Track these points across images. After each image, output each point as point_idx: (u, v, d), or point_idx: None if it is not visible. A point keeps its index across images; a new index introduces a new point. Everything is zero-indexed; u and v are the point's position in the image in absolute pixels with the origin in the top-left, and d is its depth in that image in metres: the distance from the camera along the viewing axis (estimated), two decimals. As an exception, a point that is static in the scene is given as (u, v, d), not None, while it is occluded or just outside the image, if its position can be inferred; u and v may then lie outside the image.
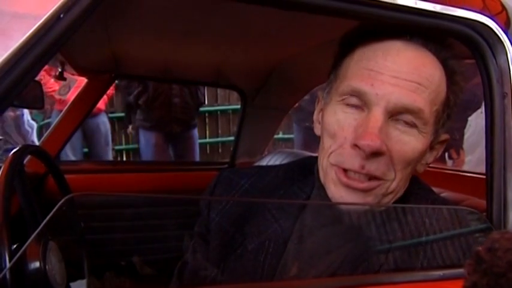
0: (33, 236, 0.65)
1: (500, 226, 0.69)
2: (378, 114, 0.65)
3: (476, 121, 2.84)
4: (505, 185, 0.70)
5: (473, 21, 0.72)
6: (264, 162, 1.80)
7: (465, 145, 2.90)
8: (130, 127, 4.19)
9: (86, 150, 4.14)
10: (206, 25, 1.25)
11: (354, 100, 0.68)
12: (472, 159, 2.80)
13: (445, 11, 0.70)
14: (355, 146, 0.66)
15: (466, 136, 2.87)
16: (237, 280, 0.74)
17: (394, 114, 0.66)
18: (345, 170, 0.68)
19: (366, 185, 0.67)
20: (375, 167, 0.66)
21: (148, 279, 1.74)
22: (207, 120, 5.66)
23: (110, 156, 4.19)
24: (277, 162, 1.67)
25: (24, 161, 1.59)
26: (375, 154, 0.65)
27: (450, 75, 0.71)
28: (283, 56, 1.64)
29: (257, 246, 0.75)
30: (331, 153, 0.70)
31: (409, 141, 0.67)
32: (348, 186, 0.68)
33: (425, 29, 0.70)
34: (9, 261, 0.71)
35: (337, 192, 0.69)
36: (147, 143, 3.40)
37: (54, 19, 0.55)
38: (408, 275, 0.66)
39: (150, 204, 1.81)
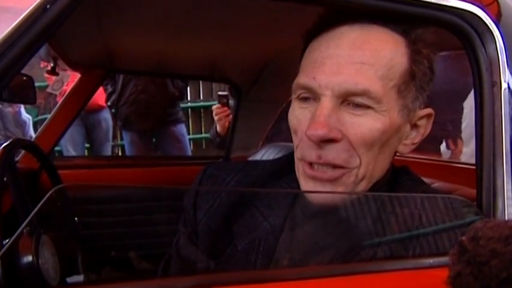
0: (23, 226, 0.65)
1: (490, 214, 0.69)
2: (324, 102, 0.65)
3: (471, 113, 2.83)
4: (494, 173, 0.70)
5: (462, 10, 0.71)
6: (259, 155, 1.80)
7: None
8: None
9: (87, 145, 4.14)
10: (200, 19, 1.24)
11: (305, 94, 0.68)
12: (467, 151, 2.81)
13: (434, 1, 0.70)
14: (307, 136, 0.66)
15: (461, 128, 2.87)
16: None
17: (344, 98, 0.65)
18: (310, 163, 0.68)
19: (329, 175, 0.67)
20: (332, 155, 0.65)
21: (145, 274, 1.75)
22: (190, 116, 5.66)
23: (109, 152, 4.18)
24: (272, 156, 1.67)
25: (18, 157, 1.59)
26: (328, 142, 0.65)
27: (411, 44, 0.68)
28: (277, 49, 1.63)
29: (247, 245, 0.74)
30: (296, 148, 0.70)
31: (364, 123, 0.65)
32: (314, 179, 0.68)
33: (414, 19, 0.70)
34: (1, 255, 0.70)
35: (306, 186, 0.69)
36: (125, 140, 3.40)
37: (40, 10, 0.55)
38: (398, 263, 0.66)
39: (146, 199, 1.81)
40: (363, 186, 0.69)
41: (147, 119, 3.13)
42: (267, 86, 1.89)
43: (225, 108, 2.25)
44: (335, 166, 0.67)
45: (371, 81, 0.64)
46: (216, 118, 2.29)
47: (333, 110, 0.65)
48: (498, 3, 0.76)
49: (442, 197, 0.73)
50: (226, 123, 2.24)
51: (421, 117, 0.72)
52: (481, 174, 0.71)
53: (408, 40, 0.68)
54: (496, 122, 0.71)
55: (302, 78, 0.68)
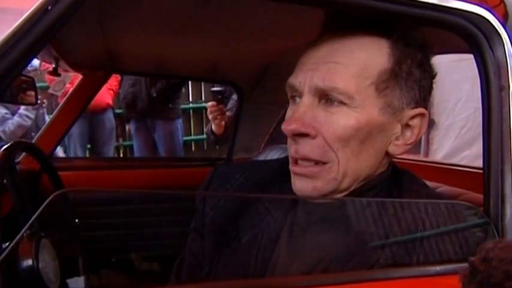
0: (23, 230, 0.64)
1: (498, 220, 0.68)
2: (303, 100, 0.70)
3: (474, 115, 2.85)
4: (502, 178, 0.69)
5: (469, 13, 0.70)
6: (262, 157, 1.79)
7: (462, 140, 2.92)
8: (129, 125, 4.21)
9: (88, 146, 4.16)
10: (202, 20, 1.23)
11: (293, 93, 0.73)
12: (470, 153, 2.82)
13: (441, 3, 0.69)
14: None
15: (463, 131, 2.89)
16: (230, 275, 0.74)
17: (321, 96, 0.69)
18: (295, 160, 0.72)
19: (308, 169, 0.70)
20: (307, 149, 0.69)
21: (146, 275, 1.74)
22: (191, 117, 5.66)
23: (111, 153, 4.21)
24: (275, 157, 1.66)
25: (19, 158, 1.59)
26: (303, 137, 0.69)
27: (393, 44, 0.70)
28: (279, 51, 1.62)
29: (250, 238, 0.75)
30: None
31: (337, 120, 0.68)
32: (296, 174, 0.72)
33: (420, 21, 0.69)
34: (0, 259, 0.69)
35: (293, 182, 0.72)
36: (132, 130, 3.89)
37: (42, 11, 0.54)
38: (403, 271, 0.65)
39: (146, 201, 1.80)
40: (347, 183, 0.70)
41: (132, 108, 3.63)
42: (269, 88, 1.88)
43: (221, 106, 2.11)
44: (315, 162, 0.70)
45: (342, 79, 0.68)
46: (210, 117, 2.15)
47: (309, 107, 0.69)
48: (505, 4, 0.75)
49: (448, 203, 0.72)
50: (223, 122, 2.12)
51: (413, 117, 0.72)
52: (488, 180, 0.70)
53: (391, 41, 0.70)
54: (504, 127, 0.70)
55: (289, 79, 0.74)
